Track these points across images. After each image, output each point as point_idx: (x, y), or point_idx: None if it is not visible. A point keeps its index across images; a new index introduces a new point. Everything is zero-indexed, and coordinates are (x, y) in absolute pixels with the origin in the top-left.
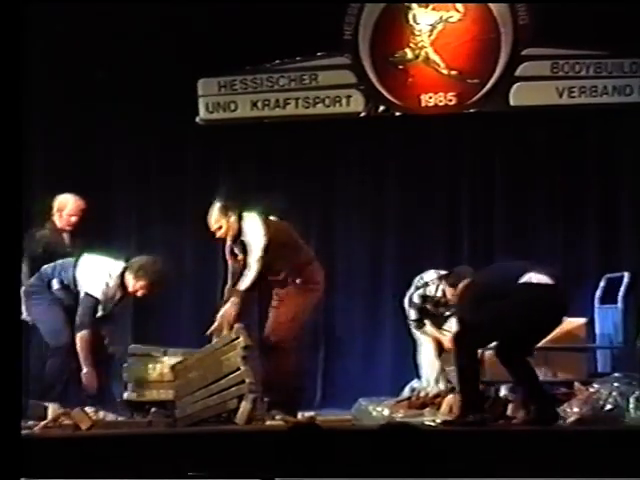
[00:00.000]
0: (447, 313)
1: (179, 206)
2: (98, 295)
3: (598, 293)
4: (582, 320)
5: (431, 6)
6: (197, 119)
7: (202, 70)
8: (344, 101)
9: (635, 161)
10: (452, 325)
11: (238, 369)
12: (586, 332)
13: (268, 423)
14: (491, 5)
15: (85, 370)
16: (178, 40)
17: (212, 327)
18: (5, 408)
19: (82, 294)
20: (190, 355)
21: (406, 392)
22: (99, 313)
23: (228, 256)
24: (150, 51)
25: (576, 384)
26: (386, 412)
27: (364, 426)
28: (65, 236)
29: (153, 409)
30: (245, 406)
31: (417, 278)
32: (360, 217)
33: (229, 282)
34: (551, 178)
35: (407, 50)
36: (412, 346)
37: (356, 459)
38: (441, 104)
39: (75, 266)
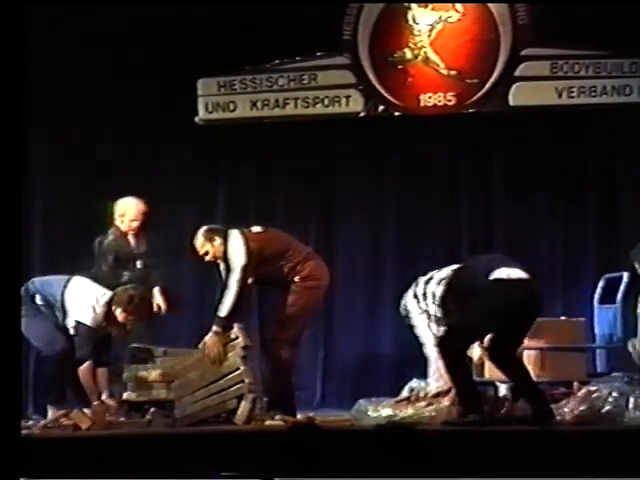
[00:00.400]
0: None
1: (179, 206)
2: (88, 322)
3: (597, 293)
4: (581, 320)
5: (430, 6)
6: (196, 119)
7: (202, 70)
8: (343, 101)
9: (635, 161)
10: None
11: (237, 369)
12: (585, 332)
13: (267, 423)
14: (490, 5)
15: (95, 403)
16: (178, 40)
17: (196, 355)
18: (5, 408)
19: (73, 322)
20: (190, 355)
21: (405, 392)
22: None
23: (223, 274)
24: (150, 51)
25: (575, 384)
26: (385, 412)
27: (363, 426)
28: (130, 239)
29: (152, 409)
30: (244, 406)
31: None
32: (360, 217)
33: None
34: (550, 178)
35: (406, 50)
36: (416, 342)
37: (355, 459)
38: (440, 104)
39: (65, 286)
